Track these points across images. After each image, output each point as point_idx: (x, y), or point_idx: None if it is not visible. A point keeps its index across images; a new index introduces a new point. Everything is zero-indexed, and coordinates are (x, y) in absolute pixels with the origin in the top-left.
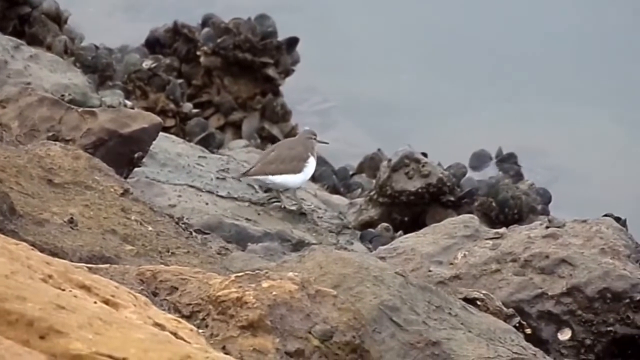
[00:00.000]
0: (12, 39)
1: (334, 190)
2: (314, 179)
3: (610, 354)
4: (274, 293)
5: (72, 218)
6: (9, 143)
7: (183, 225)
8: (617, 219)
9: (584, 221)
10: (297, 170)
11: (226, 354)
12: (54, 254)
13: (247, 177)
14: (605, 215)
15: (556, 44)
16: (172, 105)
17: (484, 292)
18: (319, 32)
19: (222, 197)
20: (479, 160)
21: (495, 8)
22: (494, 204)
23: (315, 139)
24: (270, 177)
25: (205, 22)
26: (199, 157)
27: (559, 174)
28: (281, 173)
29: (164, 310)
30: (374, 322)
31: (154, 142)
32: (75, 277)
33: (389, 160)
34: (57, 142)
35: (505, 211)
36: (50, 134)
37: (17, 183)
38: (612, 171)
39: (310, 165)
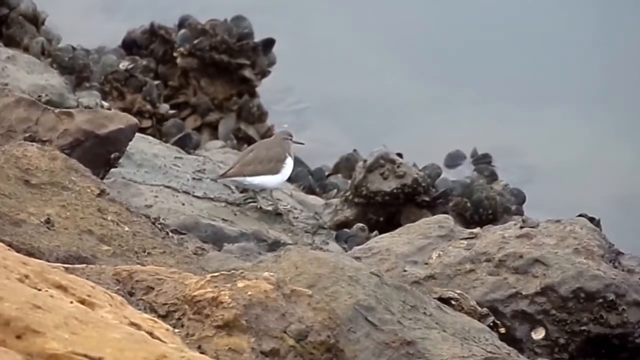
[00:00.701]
0: None
1: (310, 190)
2: (290, 179)
3: (584, 353)
4: (250, 293)
5: (48, 218)
6: None
7: (159, 226)
8: (591, 219)
9: (558, 221)
10: (275, 171)
11: (202, 353)
12: (30, 254)
13: (226, 178)
14: (579, 216)
15: (529, 45)
16: (148, 106)
17: (458, 291)
18: (295, 32)
19: (198, 197)
20: (454, 160)
21: (469, 11)
22: (468, 204)
23: (291, 139)
24: (249, 179)
25: (181, 24)
26: (176, 157)
27: (533, 175)
28: (259, 174)
29: (140, 310)
30: (349, 322)
31: (130, 143)
32: (51, 277)
33: (365, 161)
34: (34, 143)
35: (479, 211)
36: (27, 134)
37: None
38: (586, 172)
39: (288, 166)
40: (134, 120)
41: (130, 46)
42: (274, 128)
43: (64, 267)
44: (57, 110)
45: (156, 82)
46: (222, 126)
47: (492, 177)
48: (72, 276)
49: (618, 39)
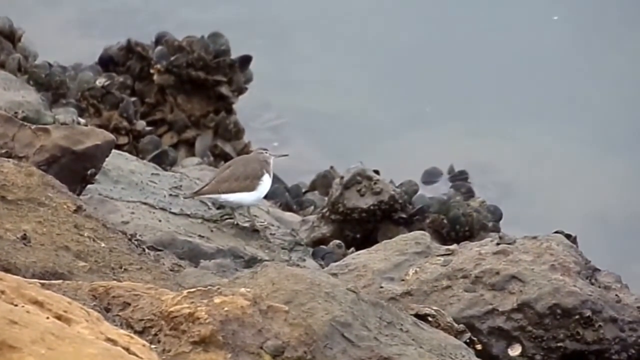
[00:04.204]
0: None
1: (287, 207)
2: (267, 196)
3: None
4: (226, 309)
5: (25, 234)
6: None
7: (136, 242)
8: (568, 236)
9: (534, 238)
10: (251, 188)
11: None
12: (6, 270)
13: (200, 195)
14: (556, 232)
15: (506, 61)
16: (125, 123)
17: (435, 308)
18: (272, 49)
19: (175, 214)
20: (431, 177)
21: (447, 27)
22: (445, 221)
23: (270, 157)
24: (223, 196)
25: (158, 40)
26: (152, 174)
27: (510, 191)
28: (234, 191)
29: (116, 325)
30: (325, 338)
31: (107, 159)
32: (28, 293)
33: (342, 178)
34: (10, 159)
35: (456, 228)
36: (3, 150)
37: None
38: (562, 188)
39: (265, 184)
40: (110, 136)
41: (106, 63)
42: (250, 145)
43: (40, 283)
44: (33, 127)
45: (133, 98)
46: (198, 143)
47: (469, 194)
48: (49, 292)
49: (594, 57)
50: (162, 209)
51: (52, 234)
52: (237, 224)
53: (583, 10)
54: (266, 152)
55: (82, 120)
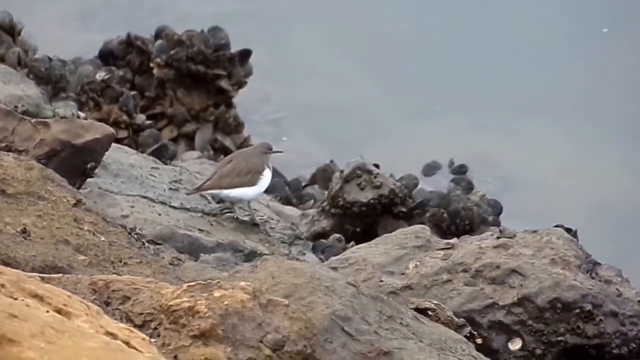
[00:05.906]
0: None
1: (287, 201)
2: (266, 190)
3: None
4: (226, 302)
5: (24, 228)
6: None
7: (136, 236)
8: (568, 230)
9: (535, 232)
10: (252, 183)
11: None
12: (6, 264)
13: (202, 191)
14: (556, 226)
15: (508, 55)
16: (125, 117)
17: (435, 302)
18: (271, 42)
19: (174, 207)
20: (431, 171)
21: (447, 19)
22: (445, 214)
23: (270, 152)
24: (225, 191)
25: (158, 34)
26: (152, 168)
27: (510, 185)
28: (236, 186)
29: (116, 319)
30: (325, 332)
31: (106, 153)
32: (27, 287)
33: (341, 172)
34: (10, 153)
35: (456, 222)
36: (3, 144)
37: None
38: (562, 182)
39: (266, 178)
40: (110, 130)
41: (106, 57)
42: (250, 139)
43: (40, 276)
44: (33, 120)
45: (132, 92)
46: (198, 137)
47: (469, 187)
48: (48, 286)
49: (593, 50)
50: (162, 202)
51: (51, 228)
52: (237, 218)
53: (581, 7)
54: (269, 150)
55: (81, 114)
